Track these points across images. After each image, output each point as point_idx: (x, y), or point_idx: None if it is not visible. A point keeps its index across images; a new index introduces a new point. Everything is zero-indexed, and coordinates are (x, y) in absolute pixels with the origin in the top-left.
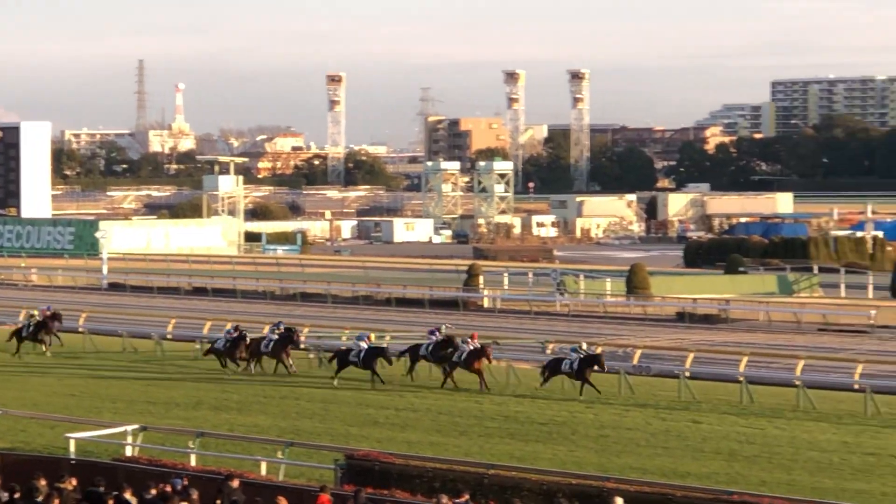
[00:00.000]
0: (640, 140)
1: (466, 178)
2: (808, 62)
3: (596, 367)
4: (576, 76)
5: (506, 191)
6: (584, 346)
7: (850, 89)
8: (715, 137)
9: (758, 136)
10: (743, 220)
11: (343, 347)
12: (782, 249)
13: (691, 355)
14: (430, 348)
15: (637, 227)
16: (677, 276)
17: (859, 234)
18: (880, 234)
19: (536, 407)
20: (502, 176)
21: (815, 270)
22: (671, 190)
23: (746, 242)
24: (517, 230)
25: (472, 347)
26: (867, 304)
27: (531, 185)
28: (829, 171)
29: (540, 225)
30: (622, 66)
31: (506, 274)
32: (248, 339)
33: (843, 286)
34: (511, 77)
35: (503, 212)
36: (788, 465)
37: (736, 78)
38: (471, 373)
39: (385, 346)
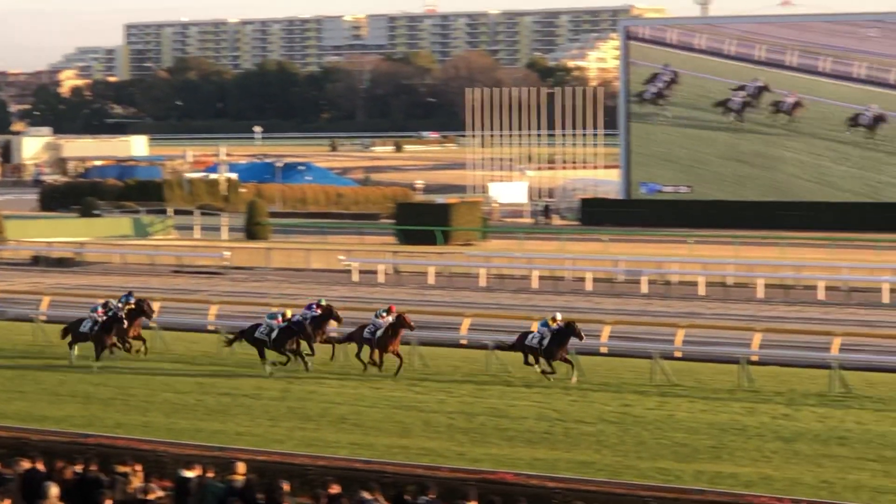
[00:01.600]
0: None
1: None
2: (163, 6)
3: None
4: None
5: None
6: (559, 316)
7: (204, 32)
8: (70, 81)
9: (112, 79)
10: (98, 163)
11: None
12: (137, 192)
13: (47, 299)
14: (308, 321)
15: None
16: (32, 220)
17: (213, 175)
18: (234, 175)
19: None
20: None
21: (170, 213)
22: (24, 134)
23: (101, 185)
24: None
25: (388, 322)
26: (221, 246)
27: None
28: (183, 113)
29: None
30: None
31: None
32: (124, 322)
33: (197, 228)
34: None
35: None
36: (144, 406)
37: (91, 21)
38: (387, 353)
39: (303, 324)
